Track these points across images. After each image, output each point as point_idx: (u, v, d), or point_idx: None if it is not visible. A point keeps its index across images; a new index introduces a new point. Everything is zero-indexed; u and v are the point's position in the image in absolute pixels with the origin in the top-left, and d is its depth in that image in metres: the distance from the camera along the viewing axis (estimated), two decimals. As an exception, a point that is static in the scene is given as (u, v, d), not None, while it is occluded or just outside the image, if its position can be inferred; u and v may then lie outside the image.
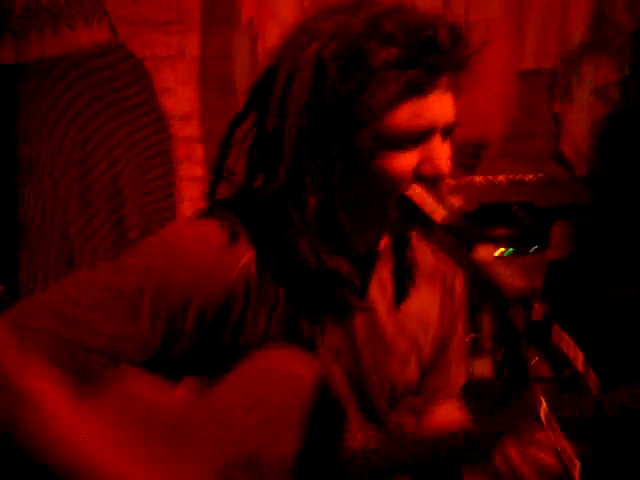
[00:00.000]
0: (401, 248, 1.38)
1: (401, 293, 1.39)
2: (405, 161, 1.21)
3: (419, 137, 1.21)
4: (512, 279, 0.99)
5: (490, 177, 3.00)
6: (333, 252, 1.25)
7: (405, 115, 1.18)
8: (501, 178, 2.98)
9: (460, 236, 1.11)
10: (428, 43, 1.17)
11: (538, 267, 3.92)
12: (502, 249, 3.00)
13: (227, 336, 1.27)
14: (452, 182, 3.04)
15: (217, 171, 1.32)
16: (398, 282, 1.40)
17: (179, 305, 1.24)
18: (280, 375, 1.26)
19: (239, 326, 1.27)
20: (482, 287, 1.02)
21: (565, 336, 0.92)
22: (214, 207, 1.33)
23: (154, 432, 1.24)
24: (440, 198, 1.20)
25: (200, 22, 3.61)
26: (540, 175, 3.07)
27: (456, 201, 2.46)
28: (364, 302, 1.34)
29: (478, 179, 2.98)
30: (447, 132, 1.23)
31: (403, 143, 1.20)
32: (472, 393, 1.65)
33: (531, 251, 2.97)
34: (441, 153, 1.22)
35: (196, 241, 1.27)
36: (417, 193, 1.20)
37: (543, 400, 0.96)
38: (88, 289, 1.24)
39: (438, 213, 1.17)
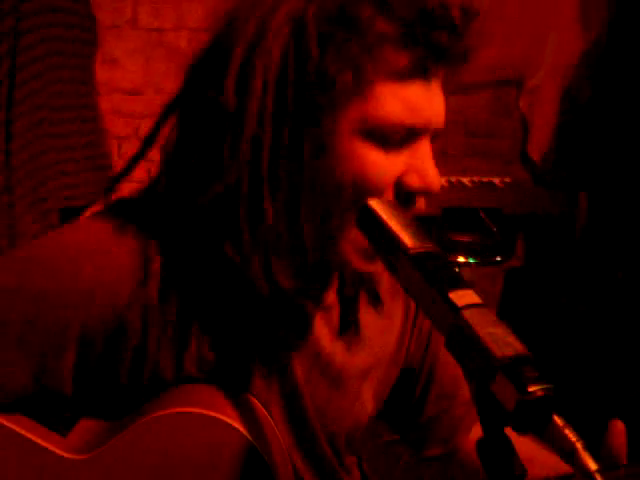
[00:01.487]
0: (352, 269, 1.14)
1: (349, 321, 1.16)
2: (388, 164, 0.96)
3: (409, 135, 0.97)
4: (500, 342, 0.77)
5: (454, 179, 2.81)
6: (288, 272, 1.02)
7: (401, 103, 0.96)
8: (466, 180, 2.79)
9: (431, 272, 0.88)
10: (436, 19, 0.94)
11: (493, 274, 3.77)
12: (463, 258, 2.81)
13: (126, 367, 1.03)
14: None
15: (127, 168, 1.07)
16: (345, 309, 1.16)
17: (53, 329, 1.00)
18: (202, 421, 1.02)
19: (140, 357, 1.02)
20: (459, 347, 0.79)
21: (571, 432, 0.71)
22: (114, 208, 1.08)
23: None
24: (412, 220, 0.97)
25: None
26: (507, 179, 2.88)
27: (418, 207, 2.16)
28: (306, 333, 1.12)
29: (442, 179, 2.79)
30: (435, 138, 1.01)
31: (389, 140, 0.96)
32: None
33: (497, 260, 2.79)
34: (431, 161, 1.00)
35: (78, 252, 1.02)
36: (381, 205, 0.97)
37: None
38: None
39: (407, 237, 0.94)
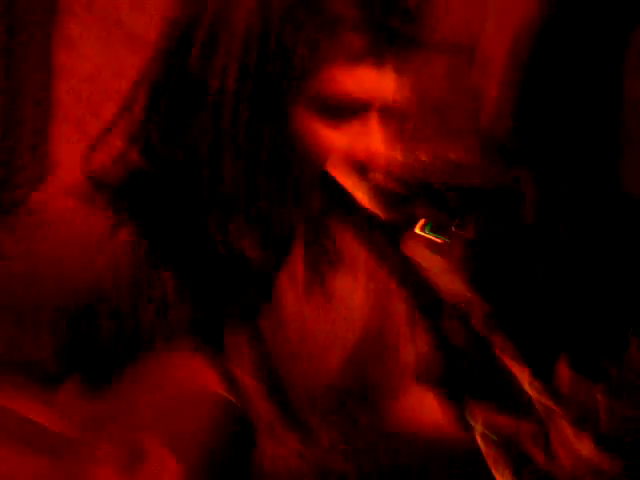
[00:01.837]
0: (314, 231, 1.25)
1: (313, 282, 1.24)
2: (338, 136, 1.06)
3: (359, 110, 1.06)
4: (451, 281, 0.86)
5: (410, 154, 2.88)
6: (245, 234, 1.09)
7: (353, 81, 1.04)
8: (422, 155, 2.86)
9: (386, 224, 0.98)
10: (392, 4, 1.02)
11: (452, 245, 3.85)
12: (421, 231, 2.90)
13: (104, 332, 1.13)
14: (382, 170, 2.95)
15: (109, 127, 1.14)
16: (310, 270, 1.24)
17: (28, 305, 1.10)
18: (179, 378, 1.09)
19: (117, 319, 1.13)
20: (413, 290, 0.89)
21: (510, 351, 0.79)
22: (89, 178, 1.14)
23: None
24: (365, 175, 1.07)
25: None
26: (462, 153, 2.96)
27: (376, 178, 2.26)
28: (270, 292, 1.20)
29: (398, 155, 2.86)
30: (386, 114, 1.10)
31: (340, 113, 1.05)
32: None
33: (454, 230, 2.87)
34: (377, 135, 1.09)
35: (50, 224, 1.13)
36: (338, 168, 1.06)
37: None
38: None
39: (361, 193, 1.04)
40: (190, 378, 1.11)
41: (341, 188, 1.06)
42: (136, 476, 1.06)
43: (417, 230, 0.95)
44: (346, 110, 1.08)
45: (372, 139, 1.12)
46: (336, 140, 1.09)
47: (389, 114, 1.13)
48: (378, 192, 1.06)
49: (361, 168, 1.12)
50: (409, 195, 2.82)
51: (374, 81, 1.09)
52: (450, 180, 2.86)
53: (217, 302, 1.15)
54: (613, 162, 3.40)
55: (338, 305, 1.31)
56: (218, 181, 1.09)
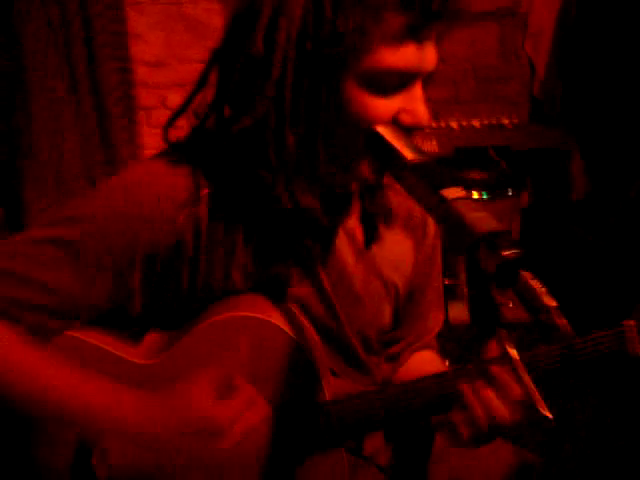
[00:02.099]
0: (370, 193, 1.35)
1: (370, 238, 1.37)
2: (386, 105, 1.17)
3: (404, 82, 1.17)
4: (479, 221, 0.97)
5: (465, 122, 2.97)
6: (307, 192, 1.22)
7: (397, 58, 1.15)
8: (476, 122, 2.96)
9: (428, 177, 1.08)
10: None
11: (509, 211, 3.94)
12: (477, 193, 2.99)
13: (184, 282, 1.23)
14: (426, 127, 3.02)
15: (182, 108, 1.28)
16: (367, 227, 1.37)
17: (124, 251, 1.20)
18: (253, 323, 1.23)
19: (194, 271, 1.23)
20: (450, 230, 0.99)
21: (536, 281, 0.90)
22: (171, 145, 1.29)
23: (118, 389, 1.18)
24: (410, 138, 1.17)
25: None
26: (515, 119, 3.04)
27: (431, 146, 2.44)
28: (330, 248, 1.32)
29: (453, 124, 2.96)
30: (428, 81, 1.21)
31: (387, 86, 1.17)
32: (448, 338, 1.65)
33: (509, 194, 2.96)
34: (422, 102, 1.19)
35: (140, 184, 1.23)
36: (387, 131, 1.17)
37: (512, 345, 0.95)
38: (32, 244, 1.20)
39: (408, 152, 1.14)
40: (260, 322, 1.23)
41: (390, 148, 1.15)
42: (229, 407, 1.18)
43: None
44: (393, 82, 1.18)
45: (417, 106, 1.21)
46: (385, 108, 1.18)
47: (432, 83, 1.22)
48: (423, 155, 1.15)
49: (408, 131, 1.21)
50: (462, 159, 2.92)
51: (416, 56, 1.18)
52: (502, 144, 2.95)
53: (282, 255, 1.28)
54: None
55: (390, 258, 1.42)
56: (283, 147, 1.21)
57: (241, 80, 1.20)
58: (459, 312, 2.69)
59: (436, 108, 3.86)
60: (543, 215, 3.87)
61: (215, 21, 3.43)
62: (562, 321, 0.89)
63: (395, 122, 1.17)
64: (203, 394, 1.16)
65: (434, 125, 2.91)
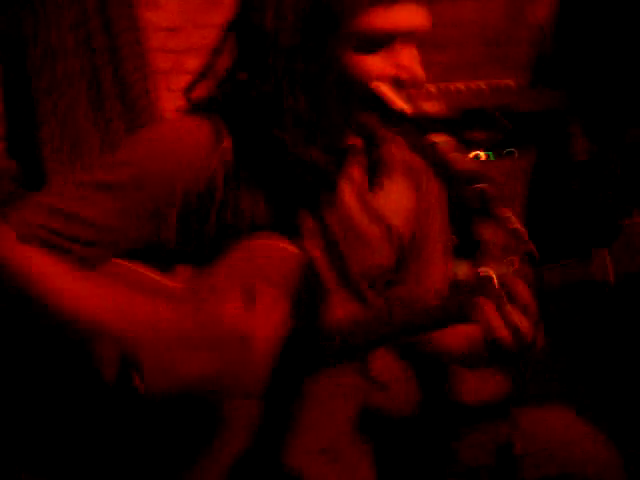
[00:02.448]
0: (372, 146, 1.50)
1: (373, 186, 1.52)
2: (382, 64, 1.33)
3: (396, 42, 1.32)
4: (464, 163, 1.13)
5: (473, 84, 3.09)
6: (314, 145, 1.38)
7: (387, 19, 1.30)
8: (482, 84, 3.07)
9: (419, 125, 1.24)
10: None
11: (513, 171, 4.06)
12: (484, 153, 3.11)
13: (213, 221, 1.39)
14: (432, 88, 3.13)
15: (202, 74, 1.42)
16: (370, 177, 1.52)
17: (163, 193, 1.36)
18: (272, 248, 1.38)
19: (223, 211, 1.39)
20: (436, 167, 1.16)
21: (509, 211, 1.06)
22: (193, 105, 1.44)
23: (156, 302, 1.35)
24: (406, 95, 1.33)
25: None
26: (520, 81, 3.15)
27: (437, 106, 2.59)
28: (333, 192, 1.47)
29: (459, 85, 3.07)
30: (421, 40, 1.35)
31: (379, 46, 1.32)
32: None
33: (514, 154, 3.09)
34: (411, 57, 1.34)
35: (175, 133, 1.40)
36: (382, 87, 1.33)
37: (493, 275, 1.10)
38: (80, 187, 1.37)
39: (404, 105, 1.30)
40: (276, 246, 1.38)
41: (389, 103, 1.31)
42: (255, 313, 1.35)
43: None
44: (386, 42, 1.33)
45: (412, 64, 1.35)
46: (382, 68, 1.34)
47: (426, 42, 1.36)
48: (415, 107, 1.30)
49: (404, 87, 1.36)
50: (465, 120, 3.04)
51: (403, 17, 1.33)
52: (505, 105, 3.06)
53: (296, 199, 1.43)
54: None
55: (391, 204, 1.57)
56: (297, 107, 1.36)
57: (256, 50, 1.36)
58: (466, 270, 2.81)
59: (443, 70, 3.98)
60: (547, 176, 3.99)
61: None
62: (526, 242, 1.04)
63: (395, 82, 1.32)
64: (233, 305, 1.32)
65: (441, 87, 3.02)
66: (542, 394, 1.63)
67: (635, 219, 1.36)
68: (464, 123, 2.86)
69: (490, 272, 1.14)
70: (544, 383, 2.98)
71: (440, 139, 1.21)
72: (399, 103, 1.28)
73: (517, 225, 1.08)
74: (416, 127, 1.25)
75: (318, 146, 1.39)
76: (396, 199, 1.56)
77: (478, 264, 1.15)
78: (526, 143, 3.13)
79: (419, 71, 1.33)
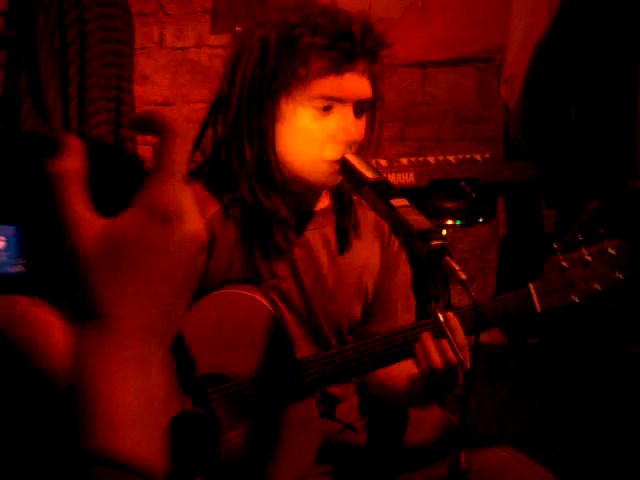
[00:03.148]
0: (343, 207, 1.67)
1: (343, 246, 1.67)
2: (322, 125, 1.52)
3: (335, 106, 1.51)
4: (416, 222, 1.29)
5: (441, 157, 3.29)
6: (269, 193, 1.55)
7: (323, 87, 1.50)
8: (451, 158, 3.27)
9: (382, 191, 1.40)
10: (344, 33, 1.48)
11: (487, 240, 4.23)
12: (451, 220, 3.28)
13: (202, 273, 1.52)
14: (405, 161, 3.33)
15: (196, 142, 1.61)
16: (341, 237, 1.67)
17: None
18: (244, 298, 1.52)
19: (206, 268, 1.54)
20: (397, 229, 1.32)
21: (457, 265, 1.22)
22: (190, 173, 1.62)
23: None
24: (369, 164, 1.51)
25: (177, 14, 3.91)
26: (487, 155, 3.36)
27: (408, 177, 2.83)
28: (301, 241, 1.62)
29: (430, 159, 3.27)
30: (362, 107, 1.55)
31: (321, 110, 1.51)
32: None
33: (480, 222, 3.28)
34: (352, 122, 1.53)
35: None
36: (353, 157, 1.51)
37: (442, 310, 1.26)
38: None
39: (368, 172, 1.46)
40: (246, 297, 1.51)
41: (356, 170, 1.47)
42: None
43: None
44: (325, 106, 1.53)
45: (349, 126, 1.52)
46: (322, 128, 1.50)
47: (364, 106, 1.55)
48: (373, 167, 1.48)
49: (348, 146, 1.55)
50: (436, 191, 3.23)
51: (340, 86, 1.50)
52: (472, 177, 3.25)
53: (268, 253, 1.59)
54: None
55: (360, 262, 1.68)
56: (244, 160, 1.54)
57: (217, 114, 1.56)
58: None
59: (420, 145, 4.20)
60: (518, 244, 4.19)
61: (216, 64, 3.76)
62: (470, 293, 1.20)
63: (333, 139, 1.51)
64: None
65: (413, 160, 3.22)
66: (492, 435, 1.77)
67: (556, 257, 1.55)
68: (432, 193, 3.05)
69: (435, 312, 1.30)
70: (494, 424, 3.12)
71: (400, 203, 1.35)
72: (367, 173, 1.44)
73: (464, 277, 1.23)
74: (377, 193, 1.40)
75: (282, 200, 1.56)
76: (363, 257, 1.70)
77: (426, 306, 1.31)
78: (491, 212, 3.32)
79: (356, 132, 1.52)
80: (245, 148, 1.54)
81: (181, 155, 0.63)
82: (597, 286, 1.55)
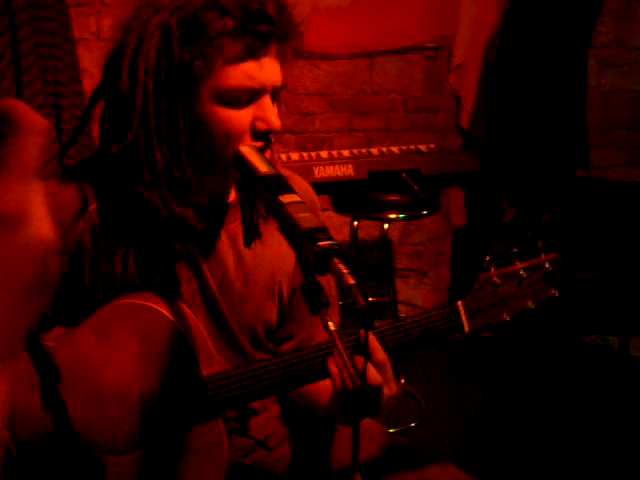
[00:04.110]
0: (249, 203, 1.53)
1: (249, 242, 1.54)
2: (240, 117, 1.38)
3: (252, 96, 1.39)
4: (304, 220, 1.18)
5: (384, 148, 3.19)
6: (181, 202, 1.41)
7: (240, 76, 1.36)
8: (395, 149, 3.18)
9: (272, 186, 1.28)
10: (257, 14, 1.35)
11: (441, 231, 4.14)
12: (395, 214, 3.18)
13: (86, 278, 1.42)
14: (346, 153, 3.22)
15: (71, 138, 1.48)
16: (247, 232, 1.54)
17: None
18: (141, 309, 1.40)
19: (95, 271, 1.42)
20: (285, 227, 1.20)
21: (347, 268, 1.11)
22: (63, 172, 1.49)
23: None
24: (265, 157, 1.39)
25: (115, 3, 3.77)
26: (433, 145, 3.27)
27: (346, 170, 2.70)
28: (214, 252, 1.50)
29: (374, 150, 3.17)
30: (275, 93, 1.43)
31: (238, 101, 1.37)
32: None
33: (423, 214, 3.19)
34: (271, 110, 1.41)
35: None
36: (247, 150, 1.39)
37: (330, 322, 1.14)
38: None
39: (261, 166, 1.34)
40: (146, 308, 1.39)
41: (249, 164, 1.36)
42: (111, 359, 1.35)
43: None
44: (241, 96, 1.39)
45: (267, 114, 1.41)
46: (240, 121, 1.38)
47: (277, 93, 1.43)
48: (268, 161, 1.35)
49: (261, 138, 1.42)
50: (377, 183, 3.12)
51: (257, 73, 1.39)
52: (415, 168, 3.16)
53: (169, 257, 1.47)
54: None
55: (271, 259, 1.56)
56: (153, 164, 1.40)
57: (115, 112, 1.42)
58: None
59: (368, 136, 4.10)
60: (473, 236, 4.11)
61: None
62: (359, 299, 1.09)
63: (252, 131, 1.38)
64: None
65: (355, 152, 3.11)
66: (432, 453, 1.67)
67: (488, 273, 1.45)
68: (372, 185, 2.95)
69: (325, 322, 1.18)
70: (434, 442, 3.04)
71: (289, 199, 1.24)
72: (260, 167, 1.33)
73: (352, 281, 1.12)
74: (267, 188, 1.29)
75: (185, 203, 1.42)
76: (275, 254, 1.59)
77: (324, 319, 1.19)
78: (435, 204, 3.23)
79: (275, 121, 1.40)
80: (155, 152, 1.40)
81: (31, 154, 0.59)
82: (530, 304, 1.47)
